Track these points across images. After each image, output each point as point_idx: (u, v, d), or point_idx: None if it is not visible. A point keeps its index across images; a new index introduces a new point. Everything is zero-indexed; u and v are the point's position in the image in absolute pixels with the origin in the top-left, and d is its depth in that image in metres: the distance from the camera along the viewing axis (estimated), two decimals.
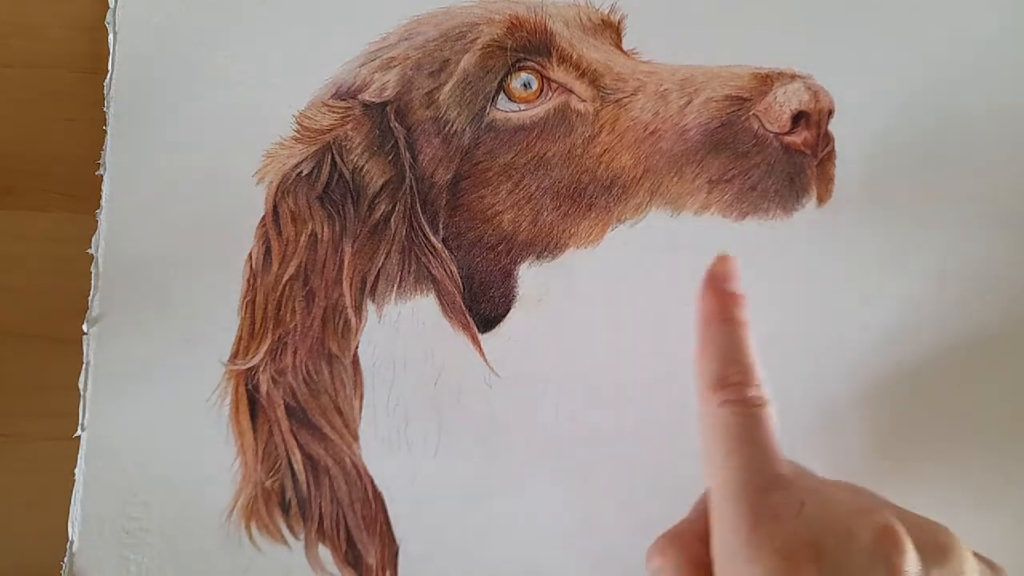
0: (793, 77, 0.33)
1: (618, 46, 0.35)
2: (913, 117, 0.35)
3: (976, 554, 0.26)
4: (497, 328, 0.34)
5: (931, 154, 0.35)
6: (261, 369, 0.34)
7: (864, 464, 0.34)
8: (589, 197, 0.34)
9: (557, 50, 0.34)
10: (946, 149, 0.35)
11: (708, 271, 0.30)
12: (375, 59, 0.35)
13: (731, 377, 0.27)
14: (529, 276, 0.34)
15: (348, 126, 0.34)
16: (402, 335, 0.34)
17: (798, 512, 0.24)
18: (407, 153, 0.34)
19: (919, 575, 0.24)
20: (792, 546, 0.24)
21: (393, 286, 0.34)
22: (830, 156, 0.34)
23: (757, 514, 0.25)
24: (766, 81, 0.33)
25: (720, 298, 0.29)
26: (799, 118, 0.33)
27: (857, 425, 0.34)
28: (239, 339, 0.34)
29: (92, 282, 0.34)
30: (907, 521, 0.25)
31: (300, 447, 0.33)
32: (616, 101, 0.34)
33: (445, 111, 0.34)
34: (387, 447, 0.34)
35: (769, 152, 0.33)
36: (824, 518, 0.24)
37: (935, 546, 0.24)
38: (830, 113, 0.34)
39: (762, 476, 0.25)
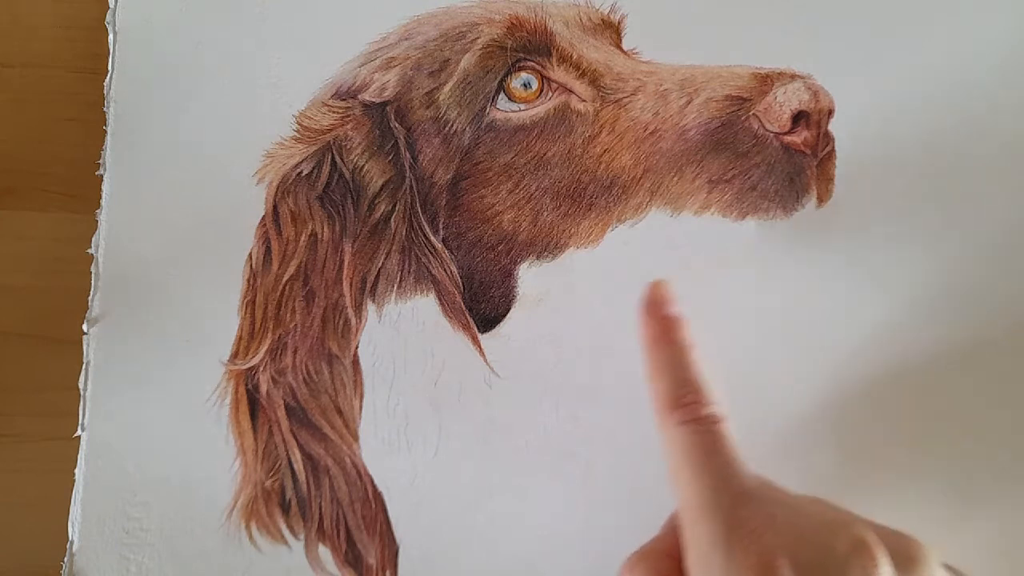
0: (793, 77, 0.33)
1: (618, 46, 0.35)
2: (913, 117, 0.35)
3: (947, 566, 0.26)
4: (497, 328, 0.34)
5: (931, 154, 0.35)
6: (261, 369, 0.34)
7: (869, 460, 0.34)
8: (589, 197, 0.34)
9: (557, 50, 0.34)
10: (946, 149, 0.35)
11: (644, 297, 0.31)
12: (375, 59, 0.35)
13: (683, 398, 0.28)
14: (529, 276, 0.34)
15: (348, 126, 0.34)
16: (402, 335, 0.34)
17: (771, 525, 0.25)
18: (407, 153, 0.34)
19: None
20: (769, 559, 0.24)
21: (393, 286, 0.34)
22: (830, 156, 0.34)
23: (731, 529, 0.25)
24: (766, 81, 0.33)
25: (660, 322, 0.30)
26: (799, 118, 0.33)
27: (862, 425, 0.34)
28: (239, 339, 0.34)
29: (92, 282, 0.34)
30: (878, 533, 0.25)
31: (300, 447, 0.33)
32: (616, 101, 0.34)
33: (445, 111, 0.34)
34: (387, 447, 0.34)
35: (769, 152, 0.33)
36: (798, 530, 0.25)
37: (906, 558, 0.25)
38: (830, 113, 0.34)
39: (729, 492, 0.26)
